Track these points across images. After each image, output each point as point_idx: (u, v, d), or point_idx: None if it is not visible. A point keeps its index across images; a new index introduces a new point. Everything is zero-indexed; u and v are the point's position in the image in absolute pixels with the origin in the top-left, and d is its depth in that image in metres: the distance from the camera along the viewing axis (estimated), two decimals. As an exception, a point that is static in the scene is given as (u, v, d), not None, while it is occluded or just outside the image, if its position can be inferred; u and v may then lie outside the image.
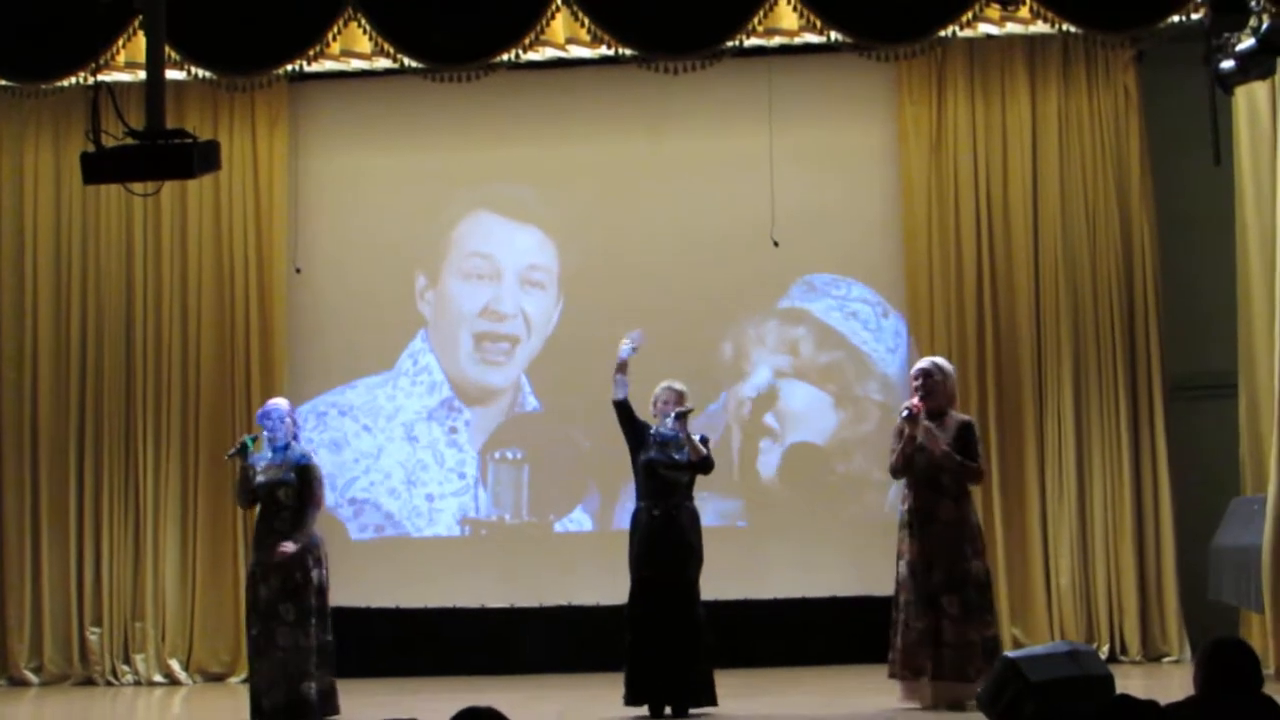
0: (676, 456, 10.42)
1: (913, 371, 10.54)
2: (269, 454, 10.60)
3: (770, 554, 13.48)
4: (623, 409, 10.59)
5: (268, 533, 10.50)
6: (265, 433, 10.58)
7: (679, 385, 10.68)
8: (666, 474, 10.39)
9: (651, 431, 10.53)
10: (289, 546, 10.35)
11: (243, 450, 10.55)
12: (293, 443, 10.68)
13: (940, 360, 10.70)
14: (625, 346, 10.51)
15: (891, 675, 10.29)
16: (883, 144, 13.67)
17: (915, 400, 10.29)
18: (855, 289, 13.59)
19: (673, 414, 10.41)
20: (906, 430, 10.23)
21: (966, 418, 10.65)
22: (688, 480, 10.48)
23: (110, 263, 13.77)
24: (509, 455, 13.75)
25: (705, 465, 10.49)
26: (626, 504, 11.03)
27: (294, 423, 10.80)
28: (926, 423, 10.24)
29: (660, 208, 13.75)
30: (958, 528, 10.20)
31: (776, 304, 13.65)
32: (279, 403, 10.90)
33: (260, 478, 10.55)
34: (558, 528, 13.65)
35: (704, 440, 10.55)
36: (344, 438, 13.75)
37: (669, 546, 10.33)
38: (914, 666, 10.13)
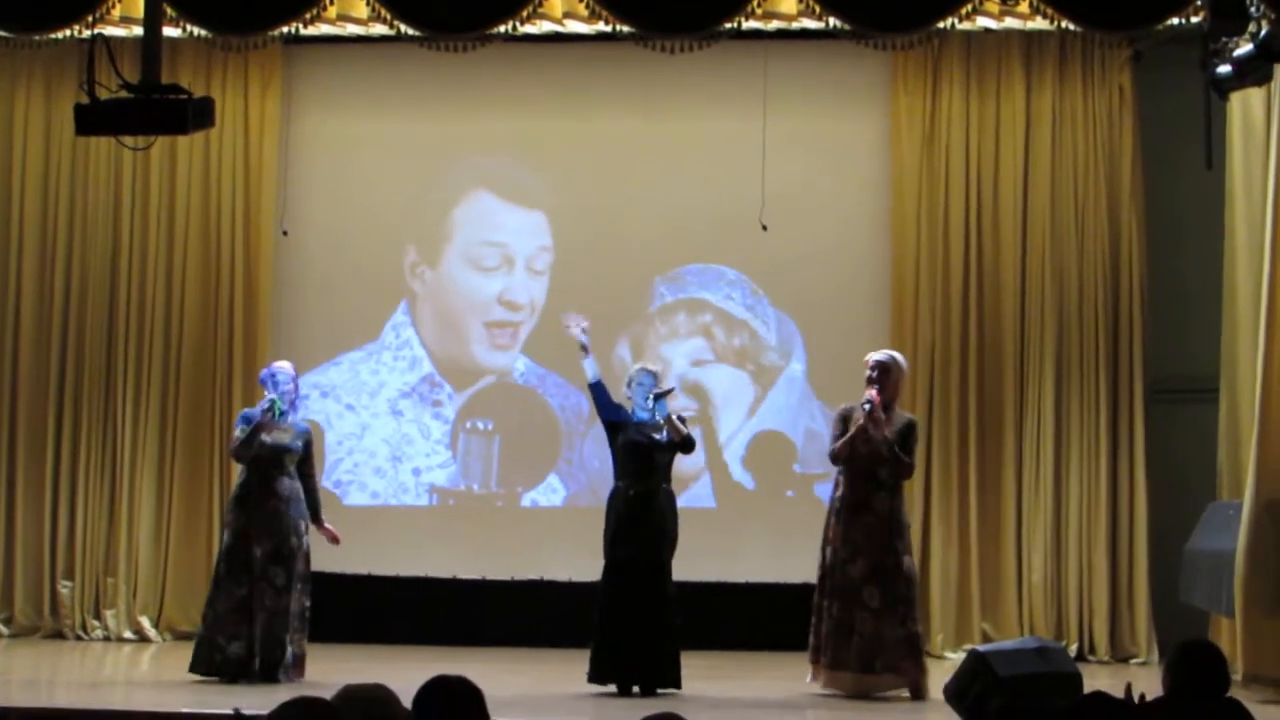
0: (656, 437, 10.44)
1: (870, 360, 10.51)
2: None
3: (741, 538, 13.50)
4: (598, 390, 10.63)
5: (266, 495, 10.53)
6: (278, 396, 10.58)
7: (653, 367, 10.75)
8: (647, 456, 10.41)
9: (630, 413, 10.54)
10: (335, 533, 10.82)
11: (273, 407, 10.53)
12: (290, 410, 10.71)
13: (896, 354, 10.71)
14: (573, 331, 10.54)
15: (813, 662, 10.33)
16: (875, 134, 13.67)
17: (873, 392, 10.28)
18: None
19: (651, 396, 10.42)
20: (860, 420, 10.24)
21: (911, 416, 10.72)
22: (667, 461, 10.50)
23: (97, 218, 13.73)
24: (479, 426, 13.76)
25: (686, 445, 10.50)
26: (602, 482, 11.02)
27: (296, 388, 10.82)
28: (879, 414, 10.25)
29: (651, 186, 13.75)
30: (890, 521, 10.23)
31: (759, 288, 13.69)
32: (285, 366, 10.90)
33: (266, 439, 10.55)
34: (527, 502, 13.66)
35: (682, 419, 10.56)
36: (326, 420, 13.73)
37: (645, 528, 10.35)
38: (833, 656, 10.17)
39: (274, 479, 10.57)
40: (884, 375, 10.35)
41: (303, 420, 10.90)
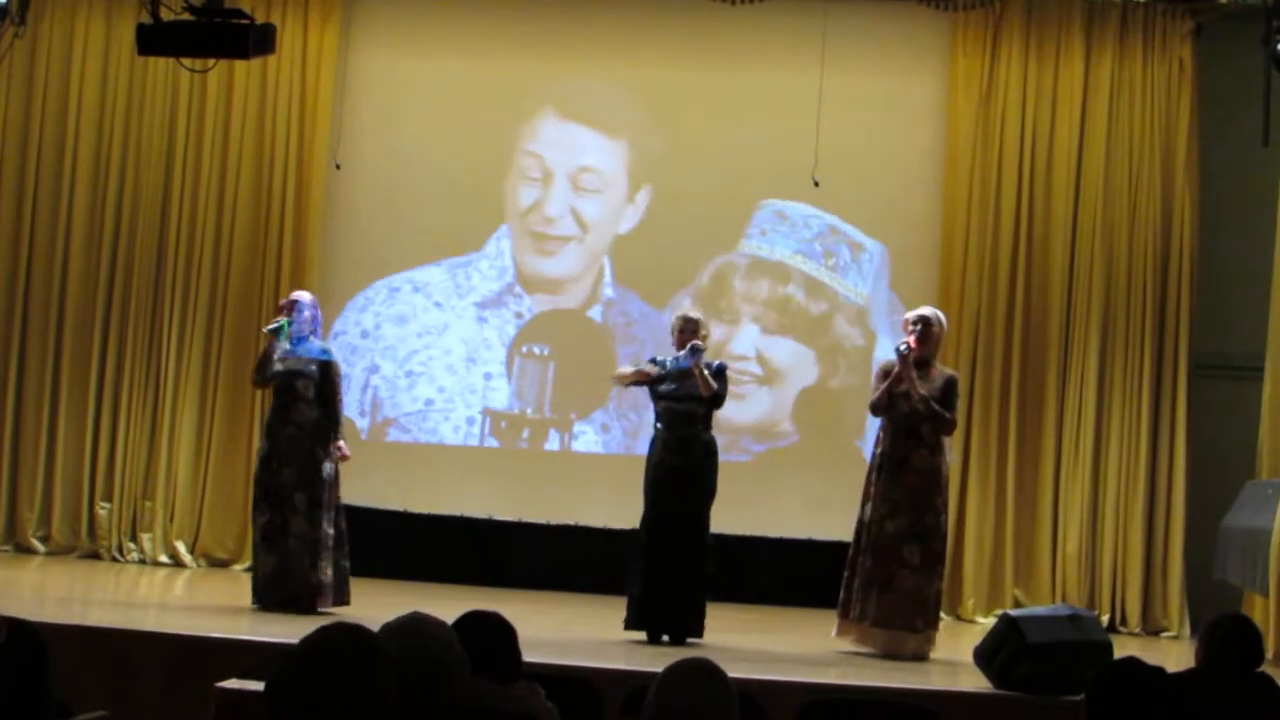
0: (687, 386, 10.40)
1: (911, 315, 10.45)
2: (286, 345, 10.66)
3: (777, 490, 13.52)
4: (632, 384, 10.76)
5: (284, 422, 10.59)
6: (291, 321, 10.63)
7: (694, 313, 10.67)
8: (682, 405, 10.40)
9: (664, 363, 10.53)
10: (345, 450, 10.75)
11: (279, 330, 10.59)
12: (311, 337, 10.74)
13: (938, 311, 10.66)
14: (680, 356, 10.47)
15: (842, 616, 10.31)
16: (932, 94, 13.64)
17: (911, 340, 10.26)
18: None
19: (685, 352, 10.36)
20: (896, 369, 10.22)
21: (953, 372, 10.65)
22: (703, 412, 10.47)
23: (152, 141, 13.76)
24: (535, 350, 13.80)
25: (714, 400, 10.45)
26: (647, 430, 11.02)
27: (314, 318, 10.84)
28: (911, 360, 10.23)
29: (706, 134, 13.75)
30: (931, 478, 10.19)
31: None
32: (304, 295, 10.94)
33: (278, 366, 10.61)
34: (576, 436, 13.70)
35: (720, 370, 10.52)
36: (412, 311, 13.86)
37: (681, 476, 10.34)
38: (857, 609, 10.15)
39: (291, 406, 10.61)
40: (925, 329, 10.29)
41: (322, 346, 10.87)
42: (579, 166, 13.93)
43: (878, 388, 10.31)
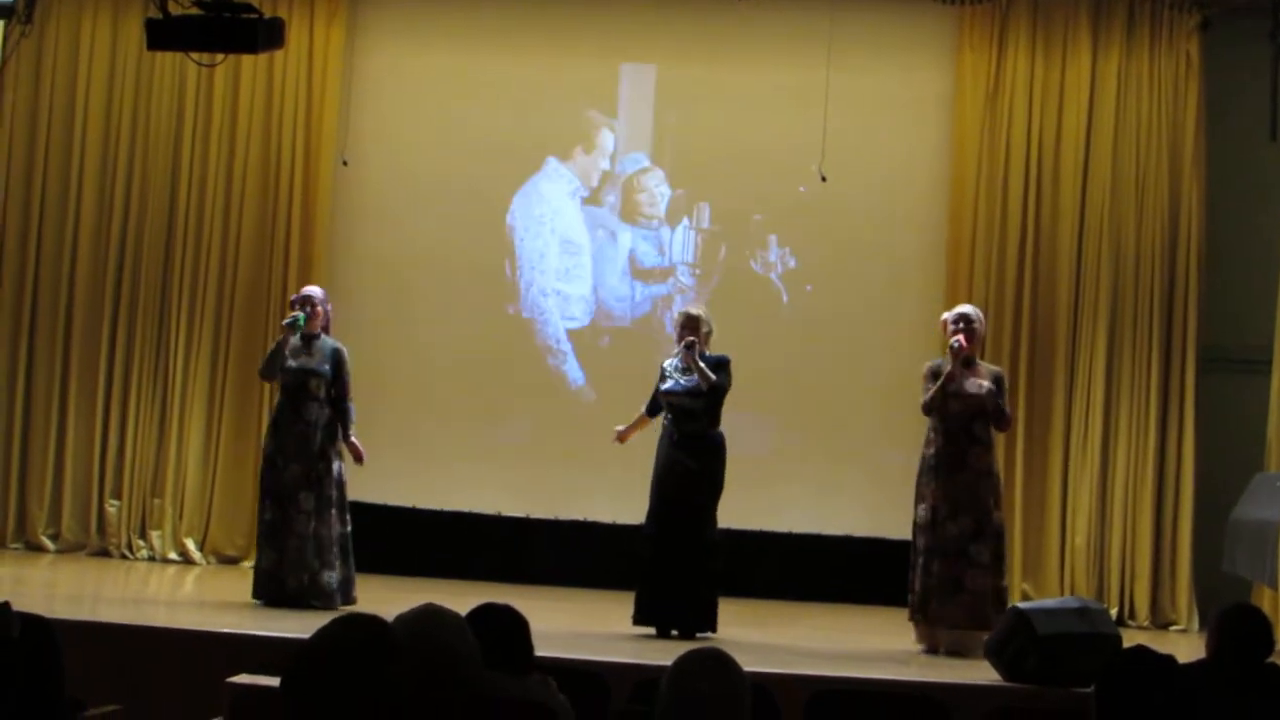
0: (685, 382, 10.41)
1: (951, 315, 10.44)
2: (297, 341, 10.66)
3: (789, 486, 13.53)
4: (652, 413, 10.82)
5: (295, 419, 10.59)
6: (307, 316, 10.64)
7: (694, 310, 10.68)
8: (684, 401, 10.42)
9: (665, 364, 10.56)
10: (360, 450, 10.74)
11: (295, 324, 10.59)
12: (323, 334, 10.74)
13: (976, 308, 10.67)
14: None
15: (911, 618, 10.31)
16: (939, 90, 13.64)
17: (961, 337, 10.24)
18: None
19: (679, 349, 10.37)
20: (948, 368, 10.21)
21: (999, 369, 10.67)
22: (707, 406, 10.46)
23: (159, 138, 13.77)
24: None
25: (715, 392, 10.46)
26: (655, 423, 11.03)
27: (326, 314, 10.85)
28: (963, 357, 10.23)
29: (715, 131, 13.75)
30: (986, 476, 10.18)
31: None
32: (316, 290, 10.95)
33: (291, 363, 10.60)
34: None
35: (723, 362, 10.52)
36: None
37: (686, 472, 10.35)
38: (930, 611, 10.14)
39: (302, 403, 10.62)
40: (968, 326, 10.28)
41: (333, 344, 10.83)
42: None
43: (928, 388, 10.28)
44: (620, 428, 10.93)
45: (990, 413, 10.18)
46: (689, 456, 10.38)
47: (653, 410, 10.76)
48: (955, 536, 10.09)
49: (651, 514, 10.44)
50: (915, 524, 10.30)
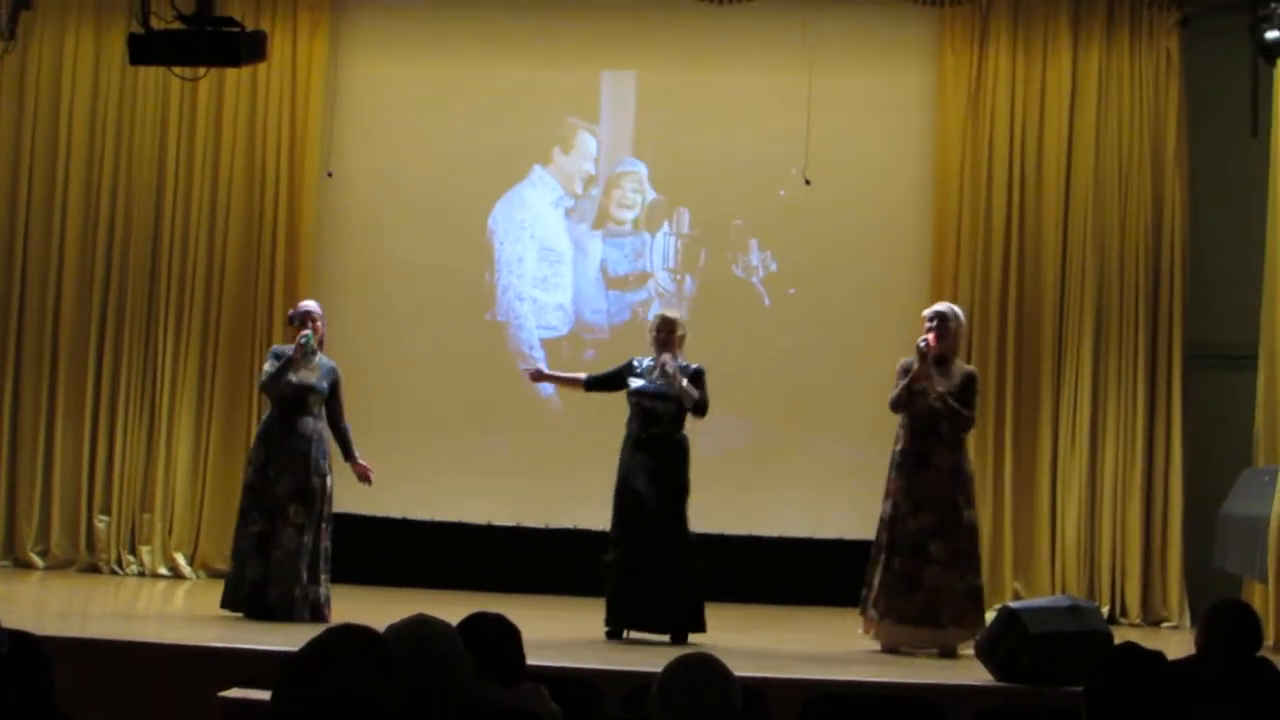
0: (658, 386, 10.37)
1: (927, 312, 10.45)
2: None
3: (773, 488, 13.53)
4: (591, 384, 10.78)
5: (288, 433, 10.56)
6: (315, 334, 10.62)
7: (670, 313, 10.69)
8: (650, 404, 10.39)
9: (636, 362, 10.53)
10: (366, 470, 10.81)
11: (307, 346, 10.54)
12: (319, 352, 10.72)
13: (956, 307, 10.66)
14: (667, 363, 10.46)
15: (863, 612, 10.30)
16: (921, 91, 13.66)
17: (930, 336, 10.25)
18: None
19: (656, 374, 10.36)
20: (915, 366, 10.21)
21: (971, 369, 10.67)
22: (673, 411, 10.41)
23: (143, 153, 13.77)
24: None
25: (698, 409, 10.44)
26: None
27: (322, 329, 10.83)
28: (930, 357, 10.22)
29: (694, 137, 13.76)
30: (952, 475, 10.17)
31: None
32: (314, 305, 10.92)
33: (291, 378, 10.58)
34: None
35: (698, 374, 10.49)
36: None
37: (650, 475, 10.31)
38: (886, 607, 10.13)
39: (297, 418, 10.60)
40: (942, 325, 10.27)
41: (330, 362, 10.83)
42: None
43: (898, 385, 10.29)
44: (544, 369, 10.94)
45: (946, 415, 10.17)
46: (655, 458, 10.34)
47: (590, 386, 10.76)
48: (914, 532, 10.09)
49: (619, 516, 10.39)
50: (880, 519, 10.32)
